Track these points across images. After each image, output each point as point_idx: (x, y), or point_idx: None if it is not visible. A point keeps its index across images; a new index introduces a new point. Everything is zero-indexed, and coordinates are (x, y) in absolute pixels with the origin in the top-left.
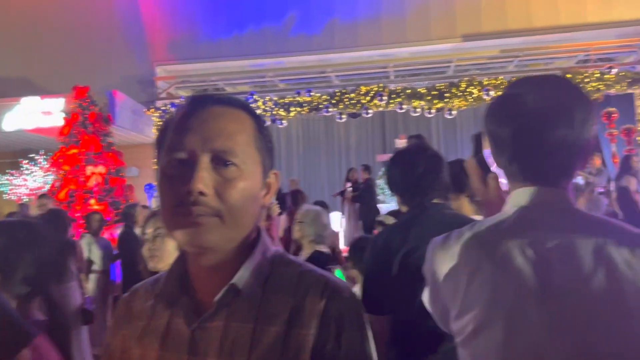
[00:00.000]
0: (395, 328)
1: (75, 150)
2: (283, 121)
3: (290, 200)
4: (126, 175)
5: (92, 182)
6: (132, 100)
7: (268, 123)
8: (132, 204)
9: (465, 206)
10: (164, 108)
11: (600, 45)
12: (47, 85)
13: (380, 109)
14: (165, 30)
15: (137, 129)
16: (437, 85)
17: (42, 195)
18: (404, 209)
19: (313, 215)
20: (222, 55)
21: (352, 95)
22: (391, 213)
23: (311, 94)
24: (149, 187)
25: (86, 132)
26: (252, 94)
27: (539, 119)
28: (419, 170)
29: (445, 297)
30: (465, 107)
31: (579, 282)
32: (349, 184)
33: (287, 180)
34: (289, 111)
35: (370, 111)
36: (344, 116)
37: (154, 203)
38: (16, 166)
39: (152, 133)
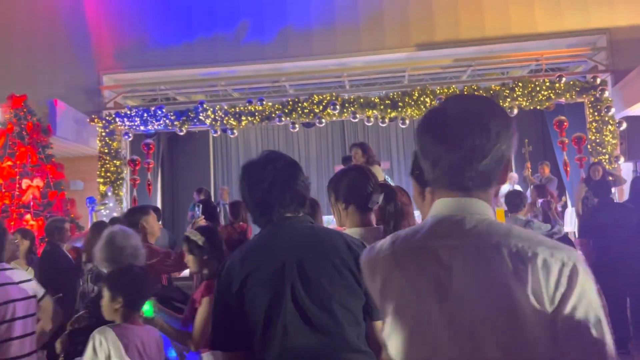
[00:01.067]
0: None
1: (9, 163)
2: (234, 130)
3: (229, 212)
4: (70, 188)
5: (28, 196)
6: (74, 110)
7: (218, 133)
8: (58, 218)
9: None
10: (109, 118)
11: (550, 54)
12: None
13: (334, 118)
14: (112, 37)
15: (81, 140)
16: (391, 94)
17: None
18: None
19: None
20: (172, 63)
21: (305, 104)
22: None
23: (263, 102)
24: (90, 200)
25: (23, 144)
26: (201, 103)
27: (456, 129)
28: (265, 184)
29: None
30: (418, 117)
31: (475, 289)
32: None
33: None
34: (240, 120)
35: (323, 121)
36: (297, 126)
37: (94, 217)
38: None
39: (97, 144)
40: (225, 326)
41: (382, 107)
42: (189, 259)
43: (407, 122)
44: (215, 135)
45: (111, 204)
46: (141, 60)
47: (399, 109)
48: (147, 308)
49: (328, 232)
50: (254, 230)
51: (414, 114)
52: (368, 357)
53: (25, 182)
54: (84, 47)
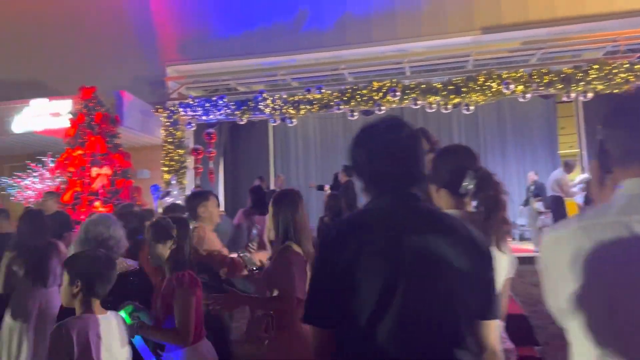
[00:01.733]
0: (342, 347)
1: (80, 152)
2: (293, 120)
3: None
4: (137, 177)
5: (97, 184)
6: (140, 101)
7: (277, 122)
8: (127, 204)
9: (444, 200)
10: (172, 108)
11: (629, 34)
12: (56, 87)
13: (394, 105)
14: (176, 29)
15: (147, 130)
16: (454, 79)
17: (48, 193)
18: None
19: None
20: (233, 53)
21: (364, 91)
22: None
23: (322, 91)
24: (155, 188)
25: (92, 133)
26: (261, 93)
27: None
28: (388, 153)
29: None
30: (483, 102)
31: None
32: (327, 186)
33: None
34: (298, 109)
35: (383, 108)
36: (355, 114)
37: (159, 205)
38: (24, 168)
39: (161, 134)
40: (325, 300)
41: (444, 93)
42: (158, 246)
43: (472, 108)
44: (274, 124)
45: (175, 192)
46: (203, 52)
47: (463, 95)
48: (124, 315)
49: (450, 216)
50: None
51: (479, 100)
52: (477, 358)
53: (94, 171)
54: (149, 40)
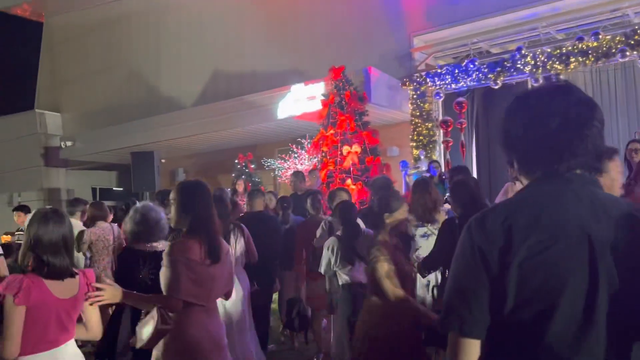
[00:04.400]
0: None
1: (332, 131)
2: (561, 76)
3: None
4: (387, 155)
5: (348, 162)
6: (387, 76)
7: (541, 81)
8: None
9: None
10: (419, 79)
11: None
12: (311, 72)
13: None
14: None
15: (395, 105)
16: None
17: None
18: (525, 181)
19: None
20: (484, 12)
21: None
22: None
23: (599, 37)
24: (404, 164)
25: (342, 113)
26: (518, 49)
27: None
28: (555, 122)
29: None
30: None
31: None
32: None
33: None
34: (567, 63)
35: None
36: None
37: (408, 180)
38: (288, 152)
39: (409, 108)
40: (479, 303)
41: None
42: None
43: None
44: (535, 85)
45: (424, 168)
46: (451, 15)
47: None
48: None
49: (622, 202)
50: None
51: None
52: None
53: (345, 149)
54: (395, 12)
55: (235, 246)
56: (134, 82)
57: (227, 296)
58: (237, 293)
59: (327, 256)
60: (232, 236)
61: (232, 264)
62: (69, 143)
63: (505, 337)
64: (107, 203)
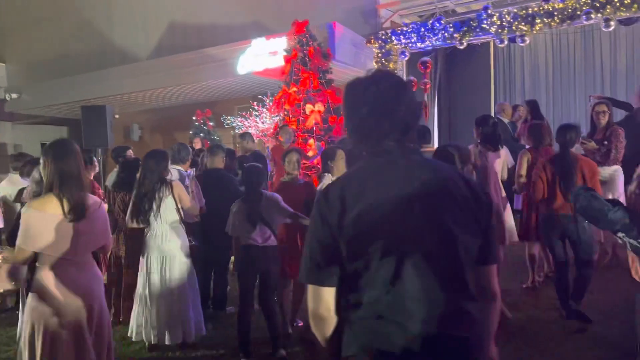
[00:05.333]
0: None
1: (294, 89)
2: (526, 38)
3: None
4: None
5: (311, 121)
6: (352, 32)
7: (504, 43)
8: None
9: None
10: (384, 37)
11: None
12: (274, 26)
13: None
14: None
15: (359, 63)
16: None
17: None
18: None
19: None
20: None
21: None
22: None
23: None
24: None
25: (305, 70)
26: (485, 8)
27: None
28: (364, 109)
29: None
30: None
31: None
32: None
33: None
34: (533, 24)
35: None
36: (612, 23)
37: None
38: (247, 109)
39: (374, 67)
40: (326, 258)
41: None
42: None
43: None
44: (500, 45)
45: None
46: None
47: None
48: None
49: (446, 167)
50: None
51: None
52: (481, 305)
53: (308, 107)
54: None
55: (160, 204)
56: (84, 32)
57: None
58: (172, 251)
59: (232, 218)
60: (156, 194)
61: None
62: (14, 95)
63: (348, 283)
64: None
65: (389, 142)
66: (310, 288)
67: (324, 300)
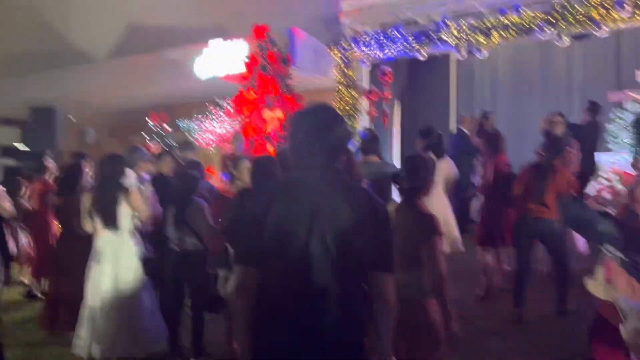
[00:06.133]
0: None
1: (253, 95)
2: (482, 50)
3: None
4: None
5: (269, 128)
6: (314, 39)
7: (464, 55)
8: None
9: None
10: (345, 45)
11: None
12: (233, 30)
13: (621, 25)
14: None
15: (320, 71)
16: None
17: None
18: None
19: None
20: None
21: (580, 8)
22: None
23: (520, 11)
24: None
25: (265, 75)
26: (444, 19)
27: None
28: (300, 133)
29: None
30: None
31: None
32: None
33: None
34: (489, 36)
35: (605, 28)
36: (566, 39)
37: None
38: (204, 112)
39: (334, 75)
40: (250, 246)
41: None
42: None
43: None
44: (460, 58)
45: None
46: None
47: None
48: None
49: (350, 184)
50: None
51: None
52: (367, 302)
53: (267, 113)
54: None
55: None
56: (37, 30)
57: None
58: (126, 259)
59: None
60: (113, 200)
61: None
62: None
63: (262, 269)
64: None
65: (316, 162)
66: (240, 269)
67: (248, 279)
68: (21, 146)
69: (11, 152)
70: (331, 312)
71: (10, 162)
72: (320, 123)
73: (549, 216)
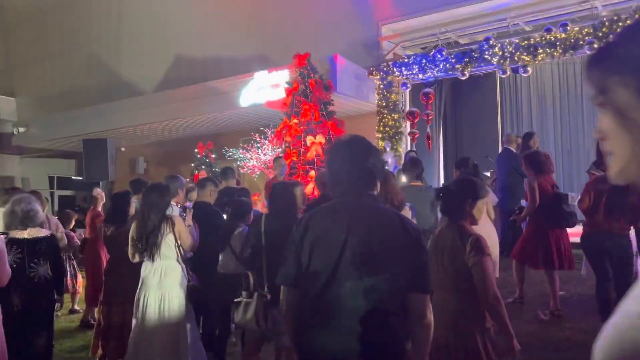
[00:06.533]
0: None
1: (296, 121)
2: (528, 68)
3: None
4: None
5: (312, 153)
6: (354, 65)
7: (507, 73)
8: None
9: None
10: (386, 69)
11: None
12: (276, 59)
13: None
14: None
15: (361, 95)
16: None
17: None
18: None
19: None
20: (453, 1)
21: (628, 21)
22: None
23: (567, 28)
24: None
25: (307, 101)
26: (486, 40)
27: None
28: (338, 162)
29: None
30: None
31: None
32: None
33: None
34: (535, 54)
35: None
36: None
37: None
38: (250, 141)
39: (375, 99)
40: (293, 267)
41: None
42: None
43: None
44: (503, 76)
45: (389, 160)
46: (420, 4)
47: None
48: None
49: (382, 209)
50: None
51: None
52: (400, 320)
53: (309, 139)
54: (363, 0)
55: (161, 241)
56: (92, 66)
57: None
58: (171, 288)
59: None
60: (158, 231)
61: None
62: (21, 129)
63: (306, 288)
64: (65, 193)
65: (351, 190)
66: (283, 288)
67: (290, 299)
68: (75, 178)
69: (67, 183)
70: (367, 333)
71: (67, 192)
72: (354, 154)
73: (619, 232)
